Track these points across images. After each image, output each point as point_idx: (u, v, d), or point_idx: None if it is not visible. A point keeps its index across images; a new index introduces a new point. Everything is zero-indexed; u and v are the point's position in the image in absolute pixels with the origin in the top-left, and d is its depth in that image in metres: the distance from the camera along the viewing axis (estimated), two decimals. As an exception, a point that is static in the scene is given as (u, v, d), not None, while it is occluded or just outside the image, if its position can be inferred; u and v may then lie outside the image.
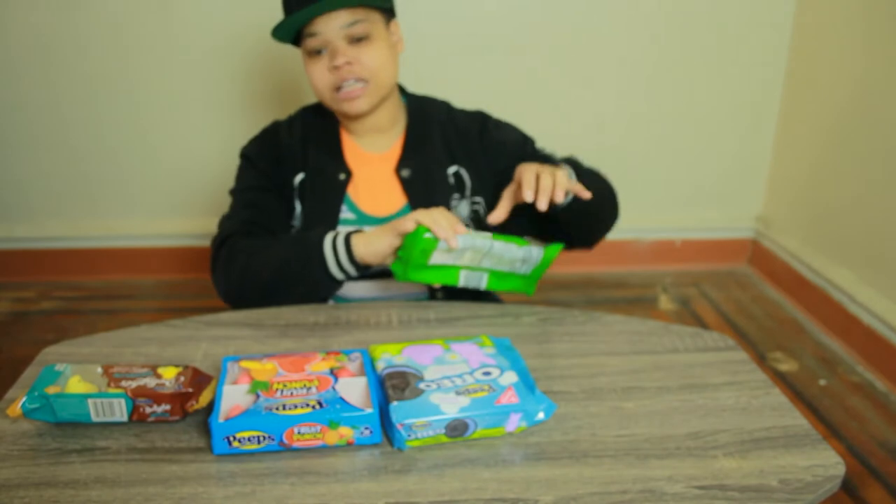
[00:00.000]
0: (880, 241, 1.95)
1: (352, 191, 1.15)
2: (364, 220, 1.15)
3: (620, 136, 2.42)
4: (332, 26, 1.05)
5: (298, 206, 1.15)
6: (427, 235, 0.94)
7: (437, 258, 0.97)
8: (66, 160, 2.31)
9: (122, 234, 2.40)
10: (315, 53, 1.08)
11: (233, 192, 1.17)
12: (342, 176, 1.15)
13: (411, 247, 0.95)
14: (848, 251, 2.10)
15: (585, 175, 1.07)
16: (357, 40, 1.06)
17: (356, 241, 1.00)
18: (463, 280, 1.01)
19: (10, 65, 2.18)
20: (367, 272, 1.05)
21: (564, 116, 2.36)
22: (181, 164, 2.33)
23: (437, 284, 1.01)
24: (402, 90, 1.23)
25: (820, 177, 2.23)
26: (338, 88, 1.08)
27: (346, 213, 1.14)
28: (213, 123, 2.28)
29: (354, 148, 1.18)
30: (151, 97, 2.25)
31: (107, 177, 2.35)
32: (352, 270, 1.02)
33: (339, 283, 1.04)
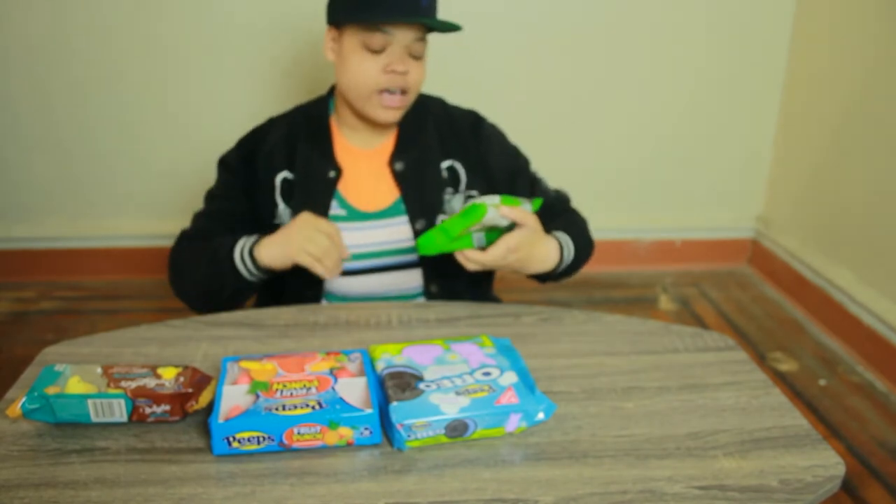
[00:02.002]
0: (880, 241, 1.95)
1: (342, 187, 1.15)
2: (355, 215, 1.15)
3: (621, 136, 2.42)
4: (407, 35, 1.06)
5: (282, 205, 1.16)
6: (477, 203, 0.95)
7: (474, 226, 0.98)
8: (67, 160, 2.31)
9: (122, 233, 2.40)
10: (373, 52, 1.07)
11: (206, 195, 1.21)
12: (332, 173, 1.15)
13: (464, 218, 0.95)
14: (848, 251, 2.10)
15: (574, 244, 1.11)
16: (413, 56, 1.09)
17: (260, 248, 1.04)
18: (475, 243, 1.00)
19: (10, 65, 2.18)
20: (274, 275, 1.09)
21: (564, 117, 2.36)
22: (181, 163, 2.33)
23: (462, 250, 1.00)
24: None
25: (820, 177, 2.23)
26: (381, 92, 1.08)
27: (336, 210, 1.14)
28: (212, 123, 2.27)
29: (345, 145, 1.17)
30: (148, 97, 2.25)
31: (107, 176, 2.35)
32: (260, 276, 1.06)
33: (257, 285, 1.09)
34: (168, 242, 1.18)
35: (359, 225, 1.14)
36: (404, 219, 1.15)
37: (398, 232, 1.15)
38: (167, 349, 0.90)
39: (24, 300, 2.29)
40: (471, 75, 2.25)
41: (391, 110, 1.10)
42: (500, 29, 2.24)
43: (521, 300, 1.56)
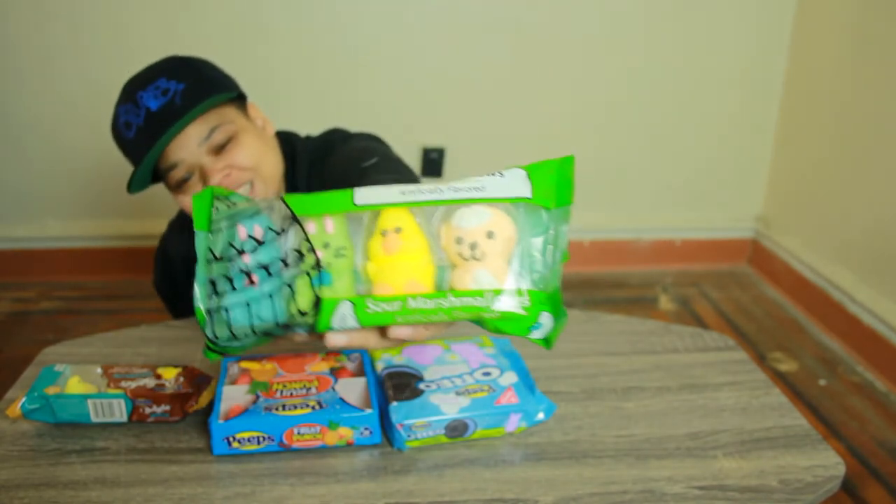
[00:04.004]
0: (880, 241, 1.95)
1: None
2: None
3: (620, 135, 2.42)
4: (189, 148, 0.91)
5: None
6: None
7: None
8: (66, 160, 2.30)
9: (122, 233, 2.39)
10: (182, 183, 0.94)
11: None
12: None
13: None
14: (848, 251, 2.10)
15: None
16: (222, 147, 0.93)
17: None
18: None
19: (10, 64, 2.18)
20: None
21: (564, 116, 2.36)
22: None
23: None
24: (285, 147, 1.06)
25: (820, 177, 2.23)
26: None
27: None
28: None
29: None
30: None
31: (106, 176, 2.35)
32: None
33: None
34: (168, 242, 1.18)
35: None
36: None
37: None
38: (167, 349, 0.90)
39: (24, 300, 2.29)
40: (468, 77, 2.25)
41: None
42: (499, 28, 2.24)
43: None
